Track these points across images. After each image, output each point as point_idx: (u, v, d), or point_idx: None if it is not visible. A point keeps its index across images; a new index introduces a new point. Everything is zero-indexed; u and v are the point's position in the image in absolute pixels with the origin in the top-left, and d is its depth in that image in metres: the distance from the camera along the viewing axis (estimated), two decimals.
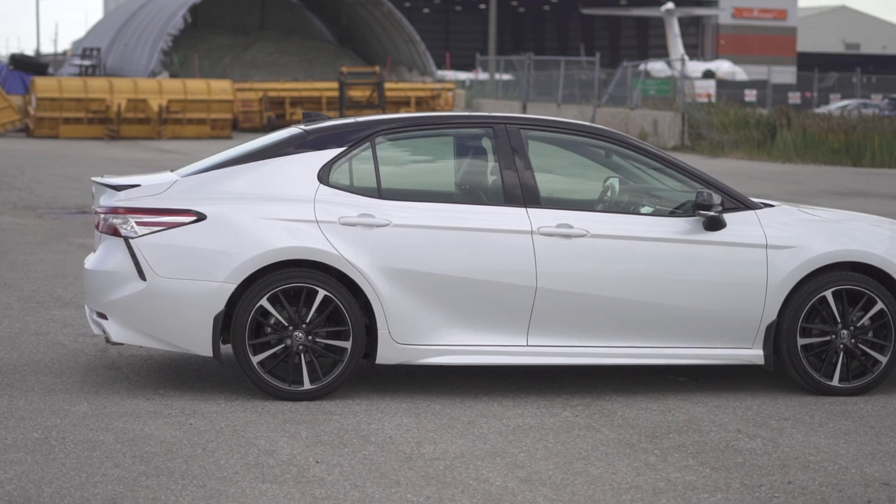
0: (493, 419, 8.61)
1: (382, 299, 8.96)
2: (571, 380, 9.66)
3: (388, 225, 9.01)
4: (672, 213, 9.34)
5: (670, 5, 79.61)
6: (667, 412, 8.84)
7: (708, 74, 74.44)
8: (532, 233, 9.10)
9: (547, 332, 9.14)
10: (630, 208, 9.49)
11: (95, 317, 9.21)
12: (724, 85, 67.98)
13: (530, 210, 9.15)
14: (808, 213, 9.59)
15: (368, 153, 9.26)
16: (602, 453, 7.87)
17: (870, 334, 9.34)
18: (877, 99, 76.68)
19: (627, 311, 9.16)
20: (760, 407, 9.01)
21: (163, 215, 9.01)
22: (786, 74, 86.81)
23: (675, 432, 8.34)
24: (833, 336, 9.31)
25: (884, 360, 9.34)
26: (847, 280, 9.31)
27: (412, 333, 9.02)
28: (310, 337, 8.95)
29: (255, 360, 8.91)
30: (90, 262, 9.28)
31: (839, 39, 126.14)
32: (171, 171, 9.91)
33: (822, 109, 61.41)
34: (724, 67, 79.55)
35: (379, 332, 9.00)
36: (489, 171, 9.39)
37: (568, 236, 9.11)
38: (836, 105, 69.30)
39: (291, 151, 9.25)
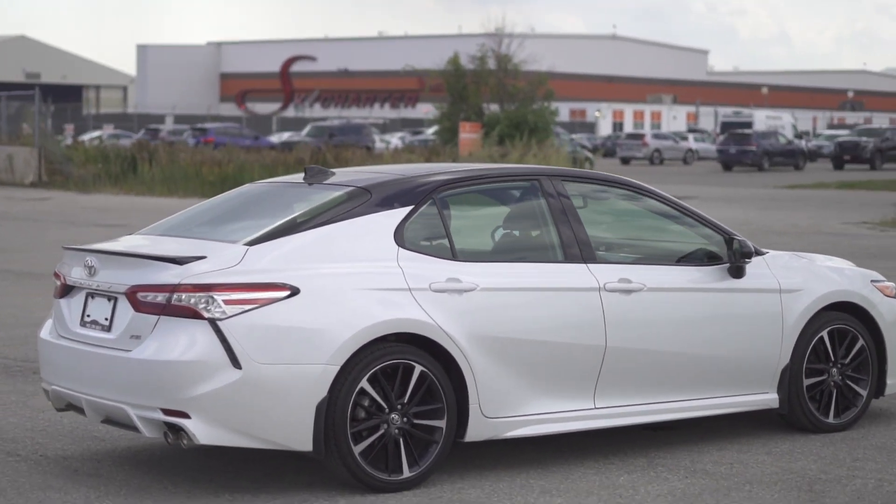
0: (615, 488, 8.11)
1: (475, 371, 8.18)
2: (588, 439, 9.24)
3: (475, 289, 8.24)
4: (682, 261, 9.25)
5: None
6: (741, 464, 8.70)
7: None
8: (600, 289, 8.67)
9: (611, 393, 8.75)
10: (664, 259, 9.31)
11: (161, 416, 7.64)
12: None
13: (590, 266, 8.72)
14: (800, 257, 9.83)
15: (434, 211, 8.41)
16: None
17: (850, 370, 9.70)
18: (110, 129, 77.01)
19: (680, 364, 8.97)
20: (796, 446, 9.12)
21: (254, 290, 7.68)
22: None
23: (806, 481, 8.28)
24: (826, 374, 9.59)
25: (864, 393, 9.75)
26: (839, 319, 9.63)
27: (499, 406, 8.32)
28: (405, 418, 7.99)
29: (357, 449, 7.83)
30: (147, 350, 7.68)
31: (21, 69, 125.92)
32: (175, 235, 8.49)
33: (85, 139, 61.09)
34: None
35: (470, 406, 8.20)
36: (544, 226, 8.80)
37: (628, 291, 8.78)
38: (93, 135, 69.12)
39: (360, 211, 8.20)
